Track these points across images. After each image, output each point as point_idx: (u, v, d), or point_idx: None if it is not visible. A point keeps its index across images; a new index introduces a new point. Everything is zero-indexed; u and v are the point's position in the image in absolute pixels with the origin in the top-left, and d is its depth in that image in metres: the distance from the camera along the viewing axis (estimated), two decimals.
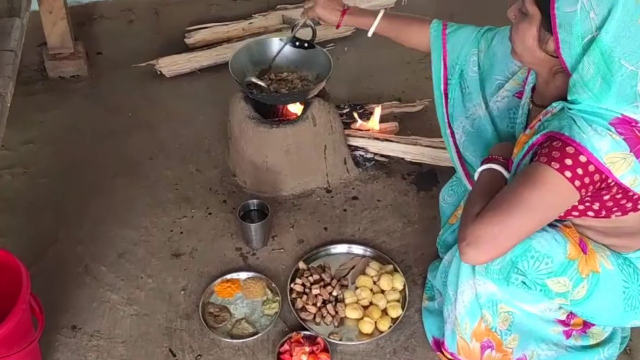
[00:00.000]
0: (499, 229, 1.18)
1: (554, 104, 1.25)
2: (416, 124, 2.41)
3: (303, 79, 2.13)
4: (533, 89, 1.46)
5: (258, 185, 2.12)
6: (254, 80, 1.91)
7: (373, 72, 2.73)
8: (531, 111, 1.46)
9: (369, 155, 2.23)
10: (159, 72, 2.64)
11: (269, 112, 2.11)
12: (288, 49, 2.14)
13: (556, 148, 1.16)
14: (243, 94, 2.06)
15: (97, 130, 2.39)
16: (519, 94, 1.51)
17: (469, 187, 1.60)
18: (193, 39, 2.79)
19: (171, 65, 2.66)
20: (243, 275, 1.81)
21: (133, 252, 1.91)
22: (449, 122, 1.69)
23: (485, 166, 1.40)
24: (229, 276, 1.81)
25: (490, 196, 1.26)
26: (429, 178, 2.20)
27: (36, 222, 2.00)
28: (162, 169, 2.21)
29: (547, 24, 1.20)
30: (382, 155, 2.23)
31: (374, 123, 2.28)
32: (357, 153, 2.23)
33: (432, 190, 2.15)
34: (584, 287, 1.30)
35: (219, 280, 1.79)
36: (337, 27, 1.76)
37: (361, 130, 2.27)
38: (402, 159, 2.21)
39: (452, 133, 1.67)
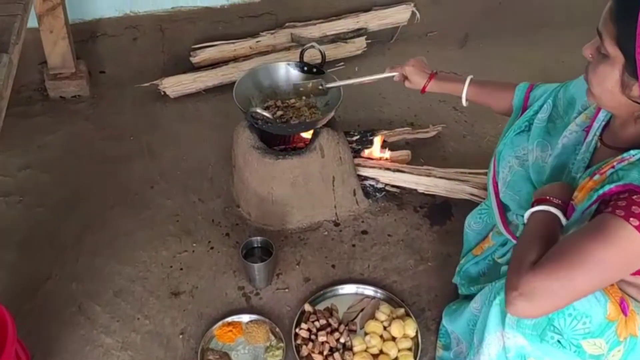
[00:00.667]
0: (560, 285, 1.05)
1: (632, 152, 1.12)
2: (429, 151, 2.31)
3: (311, 107, 2.03)
4: (604, 126, 1.32)
5: (263, 217, 2.01)
6: (259, 111, 1.80)
7: (385, 93, 2.62)
8: (597, 150, 1.32)
9: (380, 186, 2.12)
10: (162, 93, 2.55)
11: (276, 141, 2.02)
12: (296, 74, 2.05)
13: (637, 203, 1.05)
14: (248, 122, 1.96)
15: (97, 155, 2.30)
16: (588, 129, 1.36)
17: (504, 230, 1.48)
18: (199, 57, 2.70)
19: (175, 85, 2.57)
20: (245, 317, 1.71)
21: (130, 290, 1.81)
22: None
23: (539, 207, 1.25)
24: (230, 319, 1.70)
25: (547, 243, 1.14)
26: (443, 211, 2.09)
27: (30, 256, 1.90)
28: (163, 198, 2.12)
29: (632, 69, 1.08)
30: (393, 186, 2.12)
31: (375, 152, 2.18)
32: (368, 183, 2.12)
33: (446, 224, 2.04)
34: (619, 350, 1.19)
35: (220, 323, 1.69)
36: (422, 91, 1.73)
37: (371, 159, 2.16)
38: (415, 190, 2.10)
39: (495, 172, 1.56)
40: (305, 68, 2.05)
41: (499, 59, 2.88)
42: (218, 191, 2.15)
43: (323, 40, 2.80)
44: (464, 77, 1.67)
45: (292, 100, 2.05)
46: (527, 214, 1.28)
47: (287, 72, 2.06)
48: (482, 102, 1.69)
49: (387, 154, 2.17)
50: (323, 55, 2.02)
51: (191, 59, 2.70)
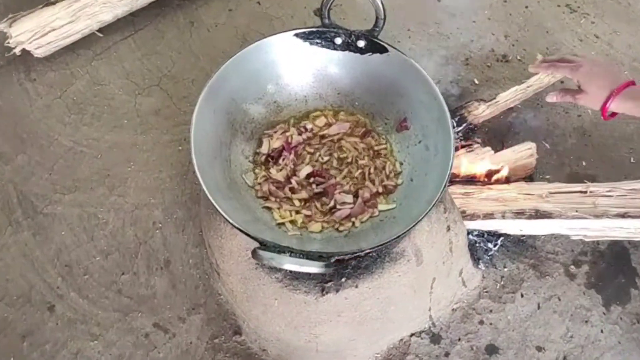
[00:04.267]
0: None
1: None
2: (550, 117, 1.26)
3: (366, 133, 0.90)
4: None
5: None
6: (274, 261, 0.68)
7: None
8: None
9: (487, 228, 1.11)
10: (18, 52, 1.30)
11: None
12: (319, 55, 0.89)
13: None
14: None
15: None
16: None
17: None
18: None
19: (41, 31, 1.31)
20: None
21: None
22: None
23: None
24: None
25: None
26: (618, 269, 1.12)
27: None
28: (82, 336, 1.05)
29: None
30: None
31: (479, 166, 1.12)
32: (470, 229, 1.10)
33: (630, 300, 1.09)
34: None
35: None
36: (603, 115, 0.95)
37: (475, 182, 1.11)
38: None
39: None
40: (339, 40, 0.88)
41: None
42: (188, 294, 1.09)
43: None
44: None
45: (322, 121, 0.91)
46: None
47: (298, 54, 0.88)
48: None
49: (504, 169, 1.11)
50: (381, 11, 0.84)
51: None
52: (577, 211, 1.06)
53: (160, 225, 1.15)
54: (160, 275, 1.10)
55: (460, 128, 1.16)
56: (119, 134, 1.24)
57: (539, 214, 1.05)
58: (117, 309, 1.07)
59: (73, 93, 1.29)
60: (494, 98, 1.18)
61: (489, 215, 1.05)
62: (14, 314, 1.07)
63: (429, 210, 0.75)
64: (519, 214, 1.06)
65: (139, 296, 1.08)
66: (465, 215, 1.05)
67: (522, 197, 1.08)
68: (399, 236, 0.74)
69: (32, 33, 1.30)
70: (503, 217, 1.05)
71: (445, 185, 0.77)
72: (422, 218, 0.75)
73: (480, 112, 1.17)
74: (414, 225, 0.74)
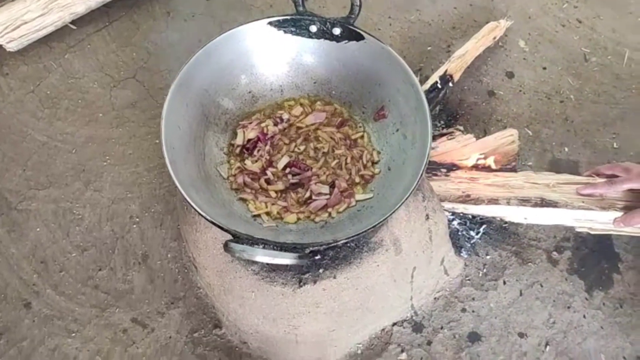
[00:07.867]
0: None
1: None
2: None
3: (343, 122, 0.89)
4: None
5: (276, 352, 1.00)
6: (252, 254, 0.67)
7: None
8: None
9: (473, 212, 1.10)
10: None
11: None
12: (298, 42, 0.87)
13: None
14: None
15: None
16: None
17: None
18: None
19: (12, 24, 1.28)
20: None
21: None
22: None
23: None
24: None
25: None
26: (600, 254, 1.12)
27: None
28: (57, 331, 1.03)
29: None
30: None
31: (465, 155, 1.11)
32: (449, 213, 1.10)
33: (614, 284, 1.09)
34: None
35: None
36: None
37: (457, 168, 1.10)
38: None
39: None
40: (314, 28, 0.86)
41: None
42: (166, 288, 1.07)
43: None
44: None
45: (298, 111, 0.89)
46: None
47: (272, 43, 0.87)
48: None
49: (489, 159, 1.10)
50: None
51: None
52: (583, 202, 1.04)
53: (137, 219, 1.13)
54: (138, 270, 1.08)
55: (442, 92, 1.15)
56: (94, 128, 1.22)
57: (544, 202, 1.04)
58: (94, 304, 1.05)
59: (46, 87, 1.27)
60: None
61: (493, 201, 1.04)
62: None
63: (405, 199, 0.74)
64: (524, 201, 1.04)
65: (117, 291, 1.07)
66: (470, 200, 1.04)
67: (529, 185, 1.07)
68: (374, 226, 0.73)
69: (4, 27, 1.27)
70: (508, 203, 1.04)
71: (422, 174, 0.75)
72: (399, 207, 0.73)
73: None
74: (390, 215, 0.73)
